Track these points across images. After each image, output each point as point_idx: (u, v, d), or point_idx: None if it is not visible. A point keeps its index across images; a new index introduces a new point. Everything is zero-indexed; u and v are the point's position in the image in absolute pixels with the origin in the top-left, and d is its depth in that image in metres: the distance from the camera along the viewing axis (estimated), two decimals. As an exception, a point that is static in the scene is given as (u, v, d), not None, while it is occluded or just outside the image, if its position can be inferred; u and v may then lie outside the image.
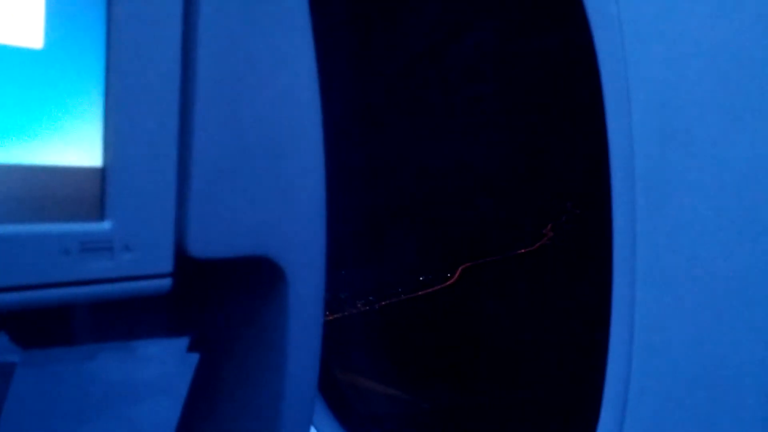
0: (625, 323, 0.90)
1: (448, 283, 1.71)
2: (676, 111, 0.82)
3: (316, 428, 1.38)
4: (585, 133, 1.35)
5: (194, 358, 0.76)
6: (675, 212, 0.83)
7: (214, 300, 0.79)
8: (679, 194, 0.83)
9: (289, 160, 0.70)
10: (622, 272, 0.89)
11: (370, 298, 1.76)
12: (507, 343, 1.55)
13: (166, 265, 0.62)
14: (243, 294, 0.77)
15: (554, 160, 1.37)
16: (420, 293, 1.76)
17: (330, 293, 1.65)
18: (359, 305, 1.73)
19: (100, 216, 0.59)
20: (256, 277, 0.73)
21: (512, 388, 1.52)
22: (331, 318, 1.70)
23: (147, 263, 0.61)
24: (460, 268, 1.69)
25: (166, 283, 0.63)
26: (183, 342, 0.75)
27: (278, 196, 0.70)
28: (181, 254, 0.64)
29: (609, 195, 1.34)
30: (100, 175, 0.59)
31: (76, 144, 0.58)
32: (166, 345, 0.74)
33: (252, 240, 0.68)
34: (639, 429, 0.88)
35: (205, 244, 0.65)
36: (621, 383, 0.92)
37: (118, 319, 0.76)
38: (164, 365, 0.75)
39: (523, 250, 1.56)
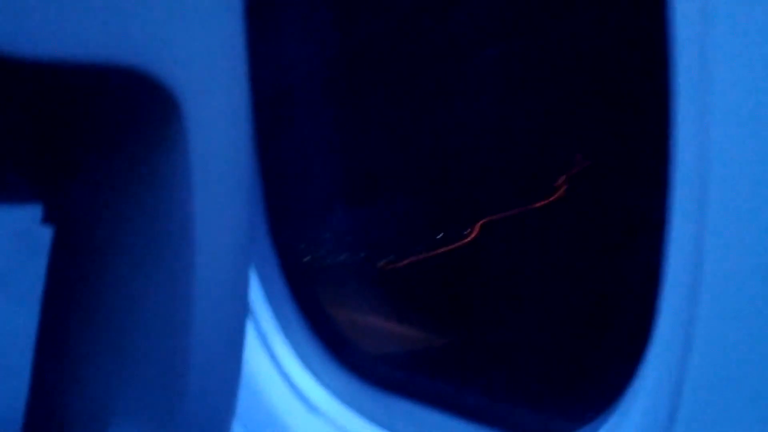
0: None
1: (468, 239, 1.72)
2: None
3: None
4: (592, 82, 1.34)
5: (47, 233, 0.54)
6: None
7: (75, 150, 0.57)
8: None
9: None
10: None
11: (391, 257, 1.78)
12: (528, 292, 1.56)
13: None
14: (114, 141, 0.56)
15: (560, 110, 1.37)
16: (441, 250, 1.77)
17: (344, 252, 1.67)
18: (380, 263, 1.75)
19: None
20: (132, 112, 0.54)
21: (531, 333, 1.53)
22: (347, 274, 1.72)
23: None
24: (479, 224, 1.70)
25: None
26: (31, 211, 0.54)
27: None
28: None
29: (623, 147, 1.33)
30: None
31: None
32: (3, 215, 0.52)
33: (114, 40, 0.48)
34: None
35: (29, 36, 0.44)
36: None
37: None
38: (3, 248, 0.52)
39: (539, 204, 1.57)
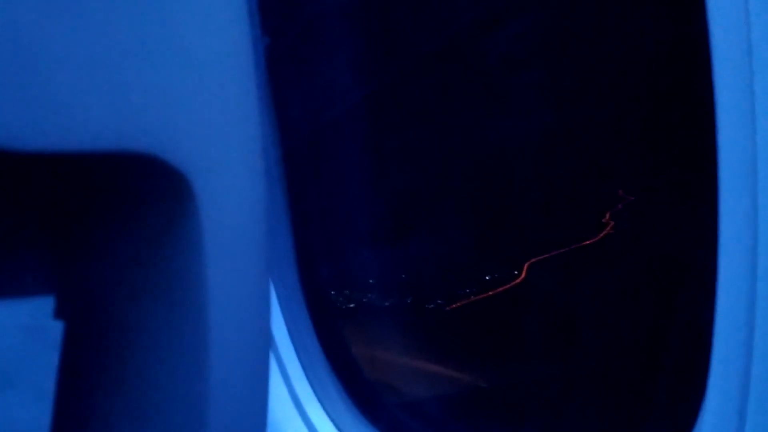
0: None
1: (518, 281, 1.68)
2: None
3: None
4: (634, 118, 1.30)
5: (58, 327, 0.53)
6: None
7: (88, 235, 0.57)
8: None
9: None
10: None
11: (439, 301, 1.74)
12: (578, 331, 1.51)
13: None
14: (127, 223, 0.55)
15: (600, 146, 1.33)
16: (491, 293, 1.73)
17: (393, 296, 1.64)
18: (429, 307, 1.71)
19: None
20: (143, 194, 0.53)
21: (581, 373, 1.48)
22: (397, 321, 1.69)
23: None
24: (526, 265, 1.65)
25: None
26: (43, 304, 0.53)
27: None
28: None
29: (668, 180, 1.29)
30: None
31: None
32: (14, 309, 0.51)
33: (122, 127, 0.47)
34: None
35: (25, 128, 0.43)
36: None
37: None
38: (12, 343, 0.51)
39: (588, 242, 1.52)
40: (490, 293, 1.71)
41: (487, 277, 1.71)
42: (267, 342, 0.58)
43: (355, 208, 1.49)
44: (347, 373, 1.10)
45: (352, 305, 1.58)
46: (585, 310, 1.53)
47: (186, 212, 0.52)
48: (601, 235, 1.48)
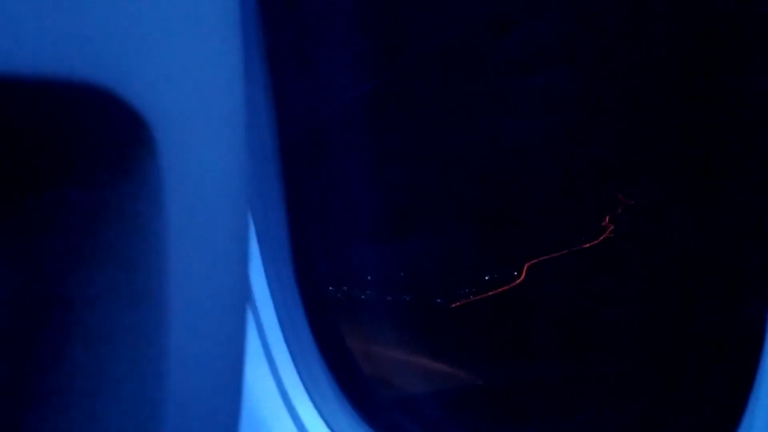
0: None
1: (517, 282, 1.67)
2: None
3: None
4: (633, 121, 1.30)
5: None
6: None
7: (40, 180, 0.47)
8: None
9: None
10: None
11: (438, 300, 1.74)
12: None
13: None
14: (81, 170, 0.46)
15: (600, 150, 1.32)
16: (490, 293, 1.72)
17: (390, 293, 1.64)
18: (426, 306, 1.71)
19: None
20: (99, 136, 0.45)
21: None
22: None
23: None
24: (525, 266, 1.65)
25: None
26: None
27: None
28: None
29: (667, 185, 1.28)
30: None
31: None
32: None
33: (76, 56, 0.40)
34: None
35: None
36: None
37: None
38: None
39: (587, 245, 1.52)
40: (489, 293, 1.71)
41: (486, 277, 1.70)
42: (243, 328, 0.52)
43: (353, 204, 1.49)
44: (341, 368, 1.08)
45: (348, 300, 1.58)
46: (585, 311, 1.53)
47: (143, 164, 0.44)
48: (602, 237, 1.48)
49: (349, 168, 1.47)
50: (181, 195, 0.47)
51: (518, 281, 1.66)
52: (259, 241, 1.01)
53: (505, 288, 1.69)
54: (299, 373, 1.01)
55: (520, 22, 1.49)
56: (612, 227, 1.42)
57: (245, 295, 0.53)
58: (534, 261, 1.63)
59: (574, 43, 1.42)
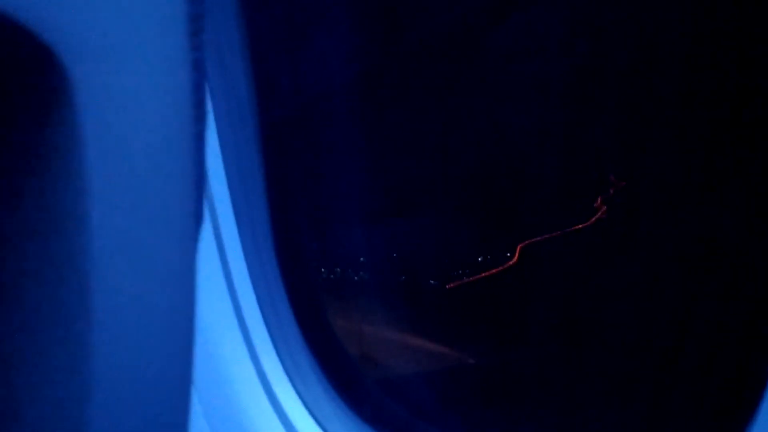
0: None
1: (510, 263, 1.66)
2: None
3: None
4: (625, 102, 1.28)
5: None
6: None
7: None
8: None
9: None
10: None
11: (431, 282, 1.73)
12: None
13: None
14: None
15: (591, 131, 1.31)
16: (483, 275, 1.71)
17: (383, 276, 1.63)
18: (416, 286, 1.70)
19: None
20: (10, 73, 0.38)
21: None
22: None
23: None
24: (518, 247, 1.64)
25: None
26: None
27: None
28: None
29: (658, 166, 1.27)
30: None
31: None
32: None
33: None
34: None
35: None
36: None
37: None
38: None
39: (580, 226, 1.50)
40: (483, 275, 1.70)
41: (480, 259, 1.69)
42: (188, 312, 0.45)
43: (343, 185, 1.47)
44: (324, 350, 1.04)
45: (341, 282, 1.57)
46: (578, 292, 1.52)
47: (58, 111, 0.38)
48: (594, 219, 1.46)
49: (342, 149, 1.46)
50: (104, 151, 0.40)
51: (511, 262, 1.65)
52: (238, 220, 0.99)
53: (498, 269, 1.68)
54: (280, 357, 0.99)
55: (518, 9, 1.48)
56: (604, 208, 1.40)
57: (190, 270, 0.45)
58: (527, 242, 1.62)
59: (570, 29, 1.41)
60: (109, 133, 0.40)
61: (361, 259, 1.62)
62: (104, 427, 0.40)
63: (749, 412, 0.79)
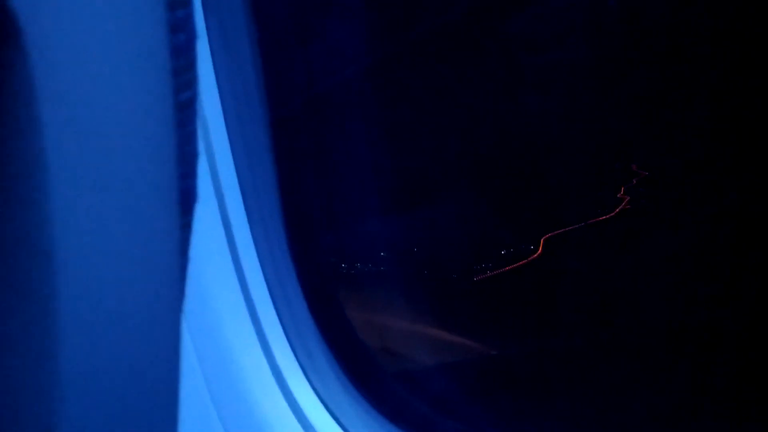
0: None
1: (534, 256, 1.65)
2: None
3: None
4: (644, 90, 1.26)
5: None
6: None
7: None
8: None
9: None
10: None
11: (454, 275, 1.71)
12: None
13: None
14: None
15: (614, 121, 1.29)
16: (507, 268, 1.70)
17: (404, 269, 1.62)
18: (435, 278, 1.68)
19: None
20: None
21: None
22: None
23: None
24: (542, 239, 1.62)
25: None
26: None
27: None
28: None
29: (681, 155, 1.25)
30: None
31: None
32: None
33: None
34: None
35: None
36: None
37: None
38: None
39: (603, 217, 1.48)
40: (506, 269, 1.68)
41: (503, 252, 1.68)
42: (178, 305, 0.40)
43: (362, 176, 1.46)
44: (341, 344, 1.02)
45: (353, 273, 1.56)
46: (602, 283, 1.50)
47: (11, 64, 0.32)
48: (618, 209, 1.45)
49: (362, 138, 1.44)
50: (62, 112, 0.34)
51: (535, 255, 1.64)
52: (248, 212, 0.98)
53: (522, 262, 1.66)
54: (294, 351, 0.98)
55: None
56: (627, 199, 1.38)
57: (170, 260, 0.40)
58: (550, 234, 1.61)
59: (596, 16, 1.39)
60: (70, 88, 0.34)
61: (382, 253, 1.61)
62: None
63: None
